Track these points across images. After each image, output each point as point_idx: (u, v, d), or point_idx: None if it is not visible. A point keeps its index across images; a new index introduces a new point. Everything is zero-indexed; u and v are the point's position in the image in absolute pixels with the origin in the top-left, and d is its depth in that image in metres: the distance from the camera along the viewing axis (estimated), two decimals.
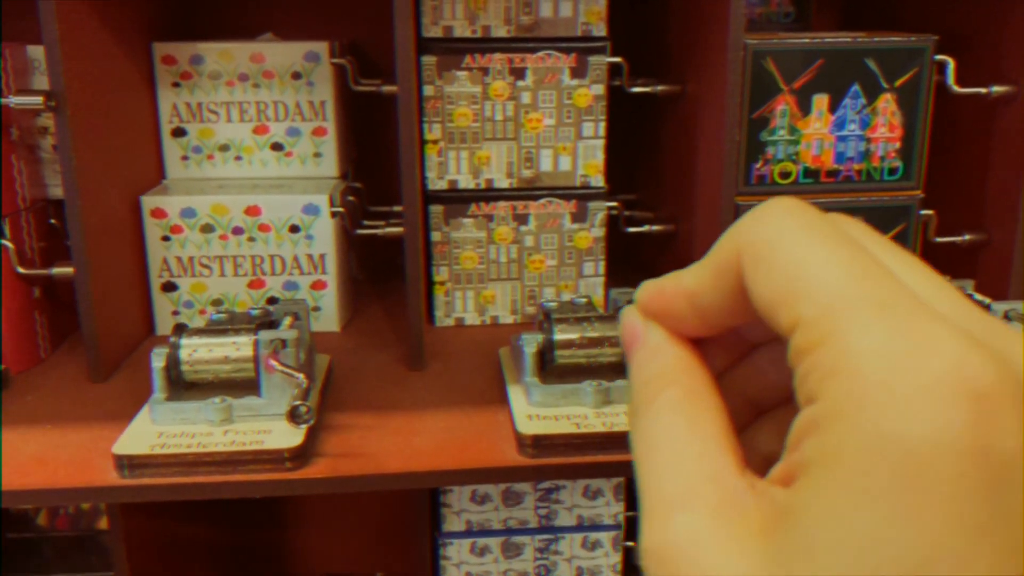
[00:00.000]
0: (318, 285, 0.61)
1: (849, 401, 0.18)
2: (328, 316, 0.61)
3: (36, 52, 0.58)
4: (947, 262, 0.60)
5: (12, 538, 0.75)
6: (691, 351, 0.25)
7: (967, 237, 0.58)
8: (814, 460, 0.19)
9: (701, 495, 0.21)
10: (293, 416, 0.40)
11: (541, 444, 0.43)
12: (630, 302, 0.49)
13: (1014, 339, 0.19)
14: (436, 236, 0.61)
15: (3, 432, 0.47)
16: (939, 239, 0.58)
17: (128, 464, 0.41)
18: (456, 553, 0.59)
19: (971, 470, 0.17)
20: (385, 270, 0.74)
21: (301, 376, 0.42)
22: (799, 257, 0.21)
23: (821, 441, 0.19)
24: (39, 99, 0.48)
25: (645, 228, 0.64)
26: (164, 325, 0.61)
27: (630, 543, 0.61)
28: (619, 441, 0.44)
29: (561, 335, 0.47)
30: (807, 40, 0.53)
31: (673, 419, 0.23)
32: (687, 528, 0.20)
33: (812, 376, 0.19)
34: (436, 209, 0.61)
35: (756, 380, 0.26)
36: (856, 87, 0.54)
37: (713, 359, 0.25)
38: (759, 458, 0.24)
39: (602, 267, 0.63)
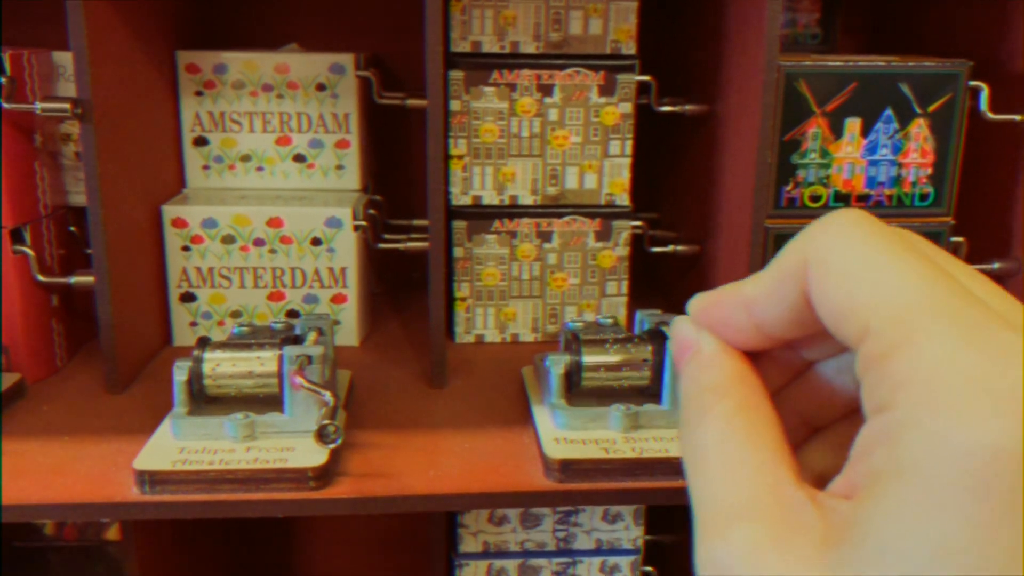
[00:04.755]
0: (338, 299, 0.60)
1: (924, 410, 0.18)
2: (348, 330, 0.61)
3: (61, 58, 0.57)
4: None
5: (19, 547, 0.74)
6: (746, 363, 0.24)
7: (997, 265, 0.58)
8: (885, 470, 0.18)
9: (760, 505, 0.21)
10: (321, 436, 0.40)
11: (569, 469, 0.43)
12: (661, 323, 0.48)
13: None
14: (458, 252, 0.60)
15: (21, 443, 0.46)
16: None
17: (149, 480, 0.41)
18: (472, 575, 0.59)
19: None
20: (402, 284, 0.74)
21: (328, 394, 0.42)
22: (869, 266, 0.20)
23: (892, 451, 0.18)
24: (66, 106, 0.48)
25: (669, 248, 0.63)
26: (181, 336, 0.60)
27: (649, 568, 0.61)
28: (648, 467, 0.43)
29: (590, 357, 0.47)
30: (840, 63, 0.53)
31: (729, 430, 0.22)
32: (747, 539, 0.20)
33: (883, 385, 0.19)
34: (459, 225, 0.60)
35: (810, 398, 0.26)
36: (889, 111, 0.54)
37: (767, 376, 0.25)
38: (811, 477, 0.24)
39: (625, 287, 0.62)
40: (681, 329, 0.26)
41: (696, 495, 0.22)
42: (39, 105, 0.49)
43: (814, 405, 0.26)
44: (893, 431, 0.18)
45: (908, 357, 0.19)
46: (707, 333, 0.25)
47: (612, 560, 0.59)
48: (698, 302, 0.26)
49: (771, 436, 0.22)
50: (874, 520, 0.18)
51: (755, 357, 0.25)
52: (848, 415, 0.25)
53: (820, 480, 0.23)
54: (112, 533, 0.73)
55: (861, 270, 0.20)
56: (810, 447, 0.26)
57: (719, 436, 0.22)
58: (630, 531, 0.59)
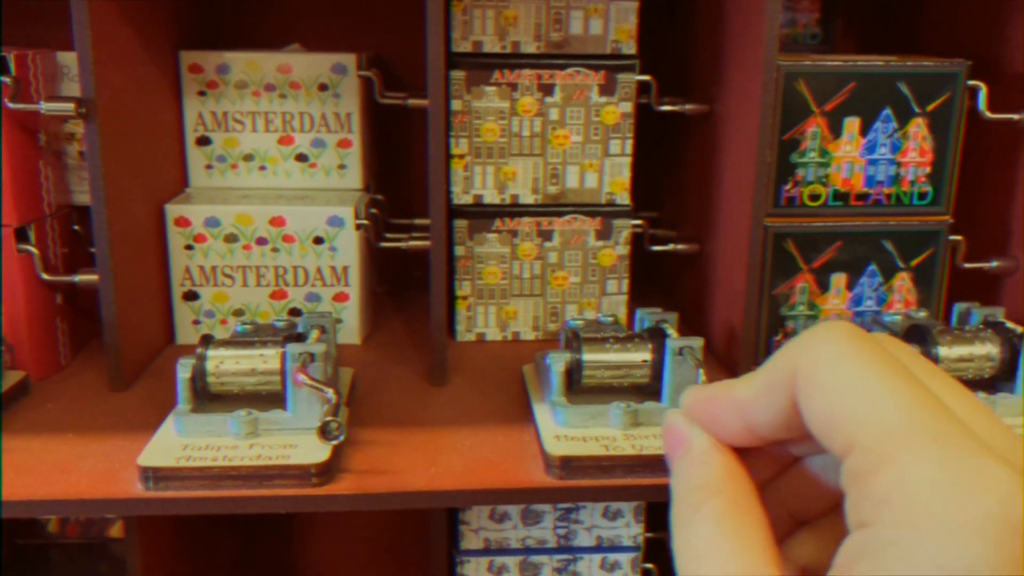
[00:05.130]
0: (340, 297, 0.60)
1: (904, 530, 0.19)
2: (350, 329, 0.61)
3: (65, 58, 0.58)
4: (975, 288, 0.60)
5: (21, 544, 0.74)
6: (736, 460, 0.25)
7: (995, 263, 0.58)
8: None
9: None
10: (324, 432, 0.40)
11: (569, 466, 0.43)
12: (661, 321, 0.48)
13: None
14: (460, 251, 0.61)
15: (26, 440, 0.46)
16: (967, 265, 0.58)
17: (153, 476, 0.41)
18: (473, 571, 0.59)
19: None
20: (403, 283, 0.74)
21: (331, 392, 0.42)
22: (855, 383, 0.21)
23: (874, 565, 0.19)
24: (70, 106, 0.48)
25: (669, 247, 0.64)
26: (184, 334, 0.60)
27: (649, 565, 0.61)
28: (648, 464, 0.43)
29: (590, 355, 0.47)
30: (839, 63, 0.53)
31: (718, 530, 0.23)
32: None
33: (866, 501, 0.20)
34: (460, 223, 0.60)
35: (796, 492, 0.26)
36: (888, 111, 0.54)
37: (754, 469, 0.26)
38: (796, 569, 0.25)
39: (625, 285, 0.63)
40: (674, 422, 0.27)
41: None
42: (43, 105, 0.49)
43: (800, 499, 0.26)
44: (875, 547, 0.19)
45: (891, 477, 0.20)
46: (698, 429, 0.26)
47: (612, 557, 0.59)
48: (691, 396, 0.26)
49: (759, 536, 0.23)
50: None
51: (744, 451, 0.26)
52: (833, 509, 0.26)
53: (805, 573, 0.24)
54: (115, 531, 0.74)
55: (847, 387, 0.21)
56: (795, 540, 0.26)
57: (709, 535, 0.23)
58: (630, 528, 0.59)
